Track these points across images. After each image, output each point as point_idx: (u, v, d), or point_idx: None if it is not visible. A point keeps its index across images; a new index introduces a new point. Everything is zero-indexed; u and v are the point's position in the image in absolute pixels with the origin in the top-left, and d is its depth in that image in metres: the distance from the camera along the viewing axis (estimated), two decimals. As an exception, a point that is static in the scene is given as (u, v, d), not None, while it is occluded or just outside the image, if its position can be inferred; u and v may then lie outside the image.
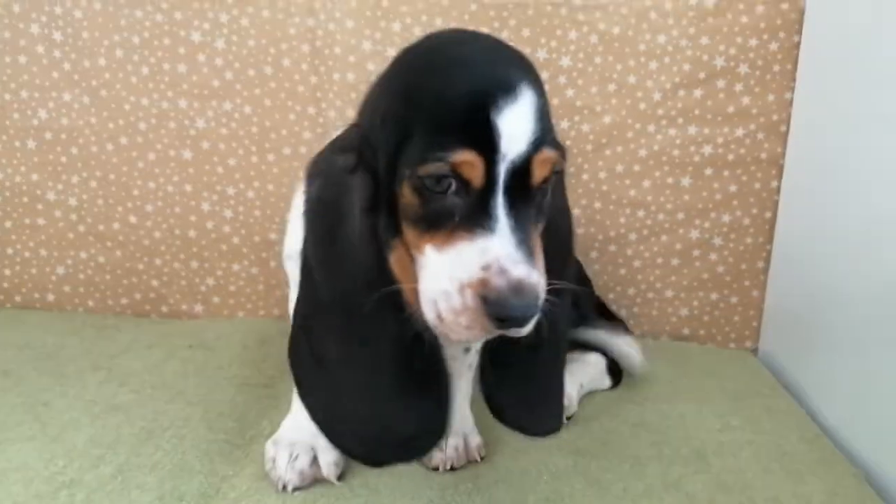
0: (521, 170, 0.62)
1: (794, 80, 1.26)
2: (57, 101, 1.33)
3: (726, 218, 1.34)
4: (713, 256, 1.36)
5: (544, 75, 1.27)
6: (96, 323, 1.36)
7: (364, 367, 0.71)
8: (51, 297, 1.42)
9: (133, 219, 1.39)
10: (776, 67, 1.25)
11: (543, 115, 0.63)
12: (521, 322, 0.60)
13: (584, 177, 1.34)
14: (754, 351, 1.39)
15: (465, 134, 0.60)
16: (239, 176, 1.36)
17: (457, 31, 0.74)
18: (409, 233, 0.65)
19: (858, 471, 0.94)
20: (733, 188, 1.32)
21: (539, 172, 0.63)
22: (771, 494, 0.87)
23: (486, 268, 0.59)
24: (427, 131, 0.61)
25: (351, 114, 1.27)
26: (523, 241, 0.61)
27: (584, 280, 1.24)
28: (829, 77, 1.16)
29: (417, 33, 1.27)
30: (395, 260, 0.66)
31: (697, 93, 1.28)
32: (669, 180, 1.32)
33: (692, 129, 1.29)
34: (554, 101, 1.30)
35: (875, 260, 0.99)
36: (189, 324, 1.39)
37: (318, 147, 1.28)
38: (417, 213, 0.63)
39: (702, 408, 1.10)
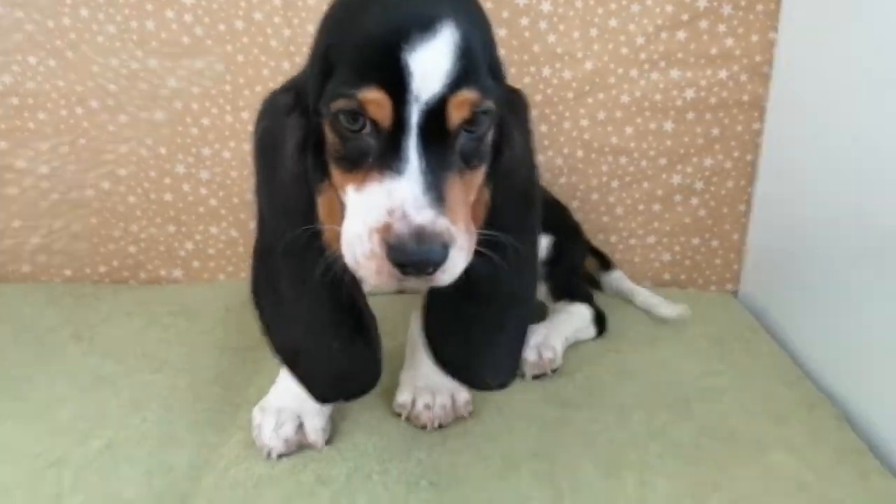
0: (437, 111, 0.60)
1: (777, 20, 1.23)
2: (22, 65, 1.28)
3: (708, 162, 1.33)
4: (695, 201, 1.36)
5: (524, 20, 1.24)
6: (74, 292, 1.33)
7: (305, 304, 0.73)
8: (26, 269, 1.39)
9: (106, 184, 1.35)
10: (759, 7, 1.22)
11: (467, 54, 0.61)
12: (423, 268, 0.59)
13: (566, 125, 1.31)
14: (735, 293, 1.40)
15: (374, 71, 0.60)
16: (213, 136, 1.32)
17: None
18: (335, 173, 0.66)
19: (839, 412, 0.95)
20: (715, 132, 1.31)
21: (456, 114, 0.61)
22: (754, 438, 0.89)
23: (391, 212, 0.58)
24: (343, 69, 0.61)
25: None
26: (433, 186, 0.59)
27: (572, 231, 1.24)
28: (813, 17, 1.14)
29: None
30: (323, 201, 0.68)
31: (680, 35, 1.25)
32: (652, 126, 1.30)
33: (675, 73, 1.27)
34: (535, 48, 1.27)
35: (856, 203, 0.98)
36: (169, 289, 1.37)
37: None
38: (339, 151, 0.64)
39: (684, 353, 1.11)
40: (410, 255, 0.57)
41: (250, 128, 1.28)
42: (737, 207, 1.36)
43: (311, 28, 1.25)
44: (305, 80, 0.69)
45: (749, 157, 1.32)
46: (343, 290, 0.70)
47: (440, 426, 0.89)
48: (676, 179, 1.34)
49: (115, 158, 1.34)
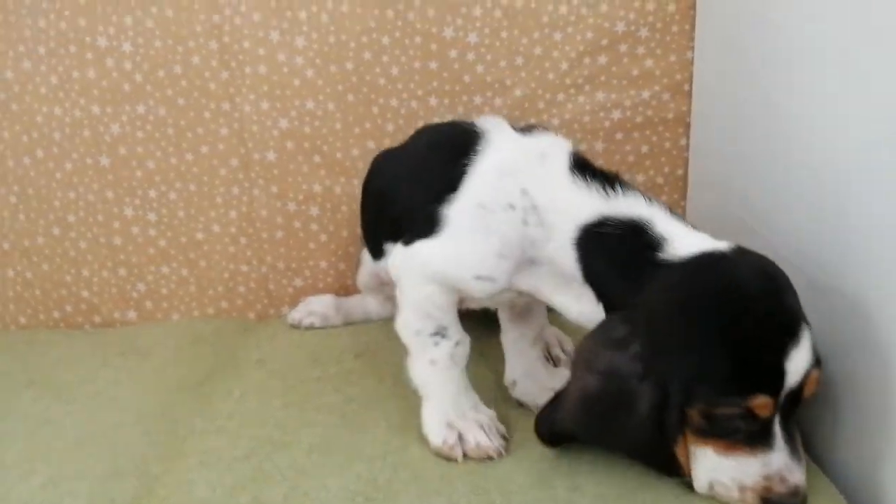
0: (795, 392, 0.73)
1: (693, 39, 1.29)
2: (-34, 119, 1.31)
3: (640, 178, 1.38)
4: (633, 217, 1.40)
5: (453, 53, 1.30)
6: (28, 338, 1.35)
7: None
8: (-20, 318, 1.41)
9: (56, 231, 1.38)
10: (675, 28, 1.29)
11: (813, 341, 0.74)
12: None
13: (502, 150, 1.36)
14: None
15: (759, 381, 0.71)
16: (159, 178, 1.35)
17: (737, 254, 0.79)
18: (690, 435, 0.76)
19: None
20: (645, 149, 1.36)
21: (810, 391, 0.75)
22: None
23: (767, 478, 0.73)
24: (726, 374, 0.71)
25: (265, 107, 1.30)
26: (795, 450, 0.74)
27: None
28: (726, 33, 1.20)
29: (325, 20, 1.28)
30: (680, 452, 0.77)
31: (602, 59, 1.31)
32: (583, 147, 1.35)
33: (600, 96, 1.33)
34: (465, 79, 1.32)
35: (781, 204, 1.03)
36: (122, 331, 1.39)
37: (237, 143, 1.32)
38: (702, 428, 0.74)
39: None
40: None
41: (195, 169, 1.34)
42: (672, 220, 1.40)
43: (249, 69, 1.32)
44: (652, 350, 0.75)
45: (679, 172, 1.37)
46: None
47: None
48: (612, 197, 1.39)
49: (63, 205, 1.36)
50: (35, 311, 1.42)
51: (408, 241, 0.94)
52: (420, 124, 1.27)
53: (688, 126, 1.34)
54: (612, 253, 0.83)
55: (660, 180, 1.38)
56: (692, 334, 0.74)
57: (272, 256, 1.40)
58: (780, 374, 0.71)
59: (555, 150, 0.92)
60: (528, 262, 0.89)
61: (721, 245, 0.79)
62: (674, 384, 0.73)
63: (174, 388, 1.12)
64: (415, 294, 0.93)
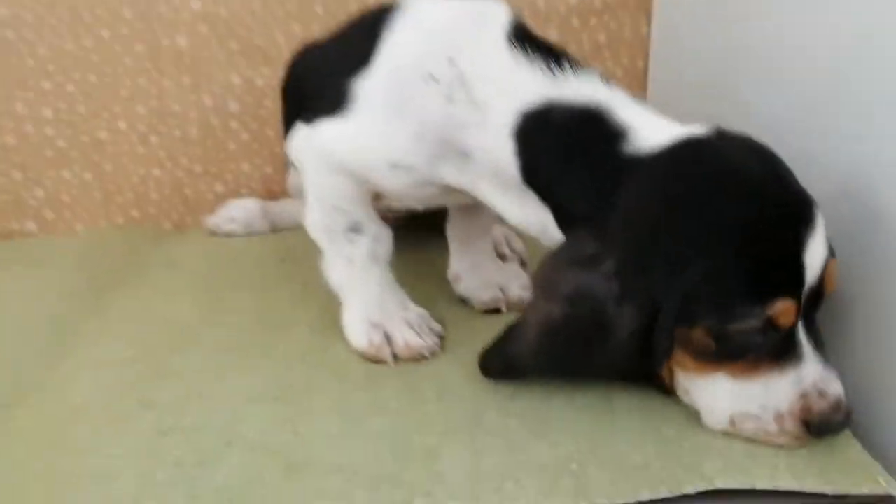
0: (815, 290, 0.61)
1: (655, -88, 1.17)
2: None
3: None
4: (588, 115, 1.29)
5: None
6: None
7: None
8: None
9: (-61, 129, 1.21)
10: None
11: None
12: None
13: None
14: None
15: (779, 283, 0.59)
16: (53, 67, 1.18)
17: (721, 138, 0.64)
18: (688, 360, 0.63)
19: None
20: (602, 38, 1.24)
21: (831, 283, 0.63)
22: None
23: (805, 395, 0.60)
24: (734, 278, 0.58)
25: None
26: (822, 356, 0.62)
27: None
28: None
29: None
30: (665, 373, 0.65)
31: (556, -67, 1.18)
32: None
33: (554, -25, 1.20)
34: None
35: (751, 101, 0.92)
36: (19, 243, 1.24)
37: (142, 27, 1.16)
38: (707, 350, 0.61)
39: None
40: (837, 426, 0.60)
41: (95, 57, 1.18)
42: (630, 119, 1.29)
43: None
44: (626, 264, 0.61)
45: (640, 64, 1.26)
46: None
47: None
48: (566, 92, 1.27)
49: (-57, 98, 1.19)
50: (-80, 223, 1.26)
51: (310, 119, 0.79)
52: (354, 6, 1.12)
53: (650, 13, 1.23)
54: (562, 148, 0.68)
55: (618, 72, 1.27)
56: (685, 238, 0.59)
57: (188, 158, 1.25)
58: (800, 270, 0.59)
59: (491, 13, 0.75)
60: (457, 152, 0.73)
61: (696, 129, 0.64)
62: (666, 302, 0.59)
63: (68, 294, 0.98)
64: (320, 184, 0.80)
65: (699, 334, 0.60)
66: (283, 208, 1.22)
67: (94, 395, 0.70)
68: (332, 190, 0.79)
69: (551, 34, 1.22)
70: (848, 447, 0.61)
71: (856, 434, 0.63)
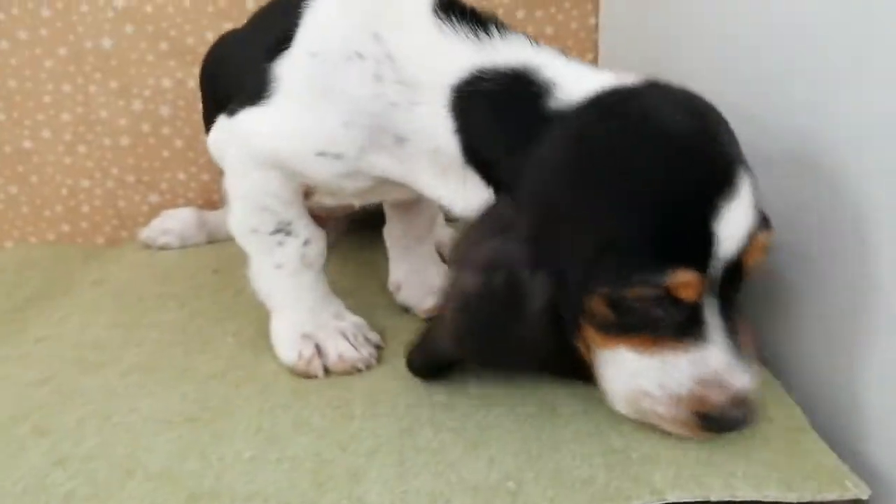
0: (735, 264, 0.54)
1: None
2: None
3: (546, 65, 1.21)
4: (539, 110, 1.24)
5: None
6: None
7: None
8: None
9: None
10: None
11: (758, 191, 0.55)
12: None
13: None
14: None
15: (680, 249, 0.52)
16: (-33, 72, 1.12)
17: (650, 88, 0.58)
18: (594, 334, 0.58)
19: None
20: (549, 30, 1.20)
21: (754, 261, 0.55)
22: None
23: (702, 382, 0.54)
24: (632, 244, 0.53)
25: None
26: (735, 344, 0.55)
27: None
28: None
29: None
30: (582, 347, 0.60)
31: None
32: (480, 28, 1.18)
33: (498, -35, 1.15)
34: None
35: (702, 89, 0.88)
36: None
37: (62, 27, 1.09)
38: (609, 322, 0.56)
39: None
40: (731, 423, 0.55)
41: (13, 61, 1.11)
42: (583, 114, 1.25)
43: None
44: (537, 231, 0.56)
45: (589, 56, 1.22)
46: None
47: None
48: (515, 87, 1.22)
49: None
50: None
51: (231, 112, 0.73)
52: None
53: (597, 3, 1.19)
54: (492, 116, 0.63)
55: (567, 66, 1.22)
56: (587, 196, 0.55)
57: (119, 168, 1.19)
58: (708, 238, 0.52)
59: None
60: (391, 137, 0.68)
61: (629, 79, 0.58)
62: (570, 269, 0.55)
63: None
64: (244, 181, 0.73)
65: (598, 304, 0.55)
66: (221, 218, 1.15)
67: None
68: (258, 186, 0.73)
69: (498, 28, 1.18)
70: (813, 449, 0.56)
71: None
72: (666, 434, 0.58)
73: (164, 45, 1.13)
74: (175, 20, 1.12)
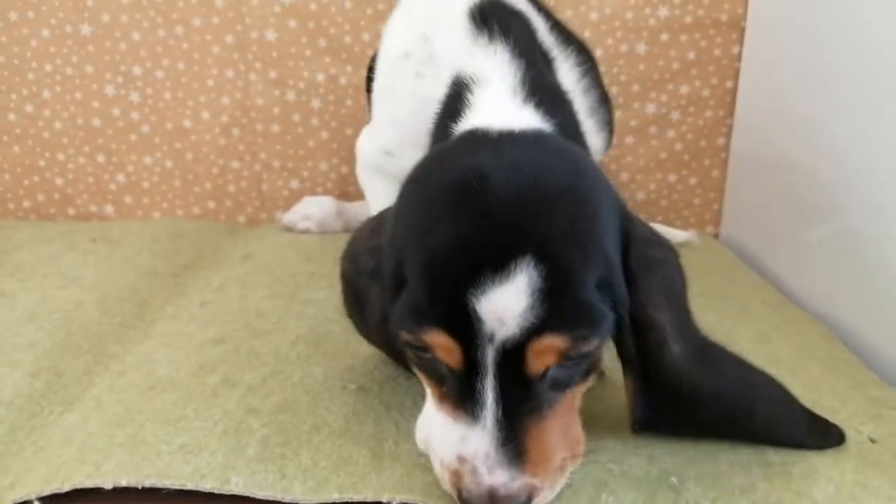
0: (517, 356, 0.50)
1: (756, -71, 1.14)
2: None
3: (684, 89, 1.23)
4: (671, 133, 1.26)
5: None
6: (-8, 224, 1.21)
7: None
8: (-60, 199, 1.27)
9: (30, 108, 1.23)
10: (736, -84, 1.14)
11: (555, 291, 0.49)
12: None
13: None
14: (716, 236, 1.31)
15: (440, 312, 0.50)
16: (145, 53, 1.21)
17: (501, 141, 0.56)
18: (416, 369, 0.56)
19: (827, 330, 0.86)
20: (692, 55, 1.21)
21: (538, 362, 0.51)
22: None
23: (461, 460, 0.51)
24: (411, 293, 0.52)
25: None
26: (511, 437, 0.50)
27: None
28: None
29: None
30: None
31: (652, -53, 1.16)
32: (623, 48, 1.21)
33: (647, -12, 1.18)
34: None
35: (840, 132, 0.89)
36: (97, 224, 1.25)
37: (233, 17, 1.17)
38: (416, 363, 0.55)
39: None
40: None
41: (185, 44, 1.20)
42: (716, 141, 1.26)
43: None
44: (385, 252, 0.57)
45: (728, 84, 1.23)
46: None
47: None
48: (651, 108, 1.25)
49: (38, 78, 1.22)
50: (3, 199, 1.28)
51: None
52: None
53: (742, 31, 1.20)
54: (437, 121, 0.67)
55: (705, 92, 1.23)
56: (395, 239, 0.55)
57: (267, 153, 1.26)
58: (463, 309, 0.49)
59: None
60: (426, 136, 0.69)
61: (516, 124, 0.57)
62: (386, 293, 0.55)
63: (146, 274, 0.99)
64: (367, 193, 0.80)
65: (398, 336, 0.54)
66: (357, 210, 1.21)
67: (177, 373, 0.70)
68: (374, 197, 0.79)
69: (639, 48, 1.20)
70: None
71: None
72: (823, 453, 0.59)
73: (322, 42, 1.19)
74: (336, 19, 1.18)
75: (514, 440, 0.50)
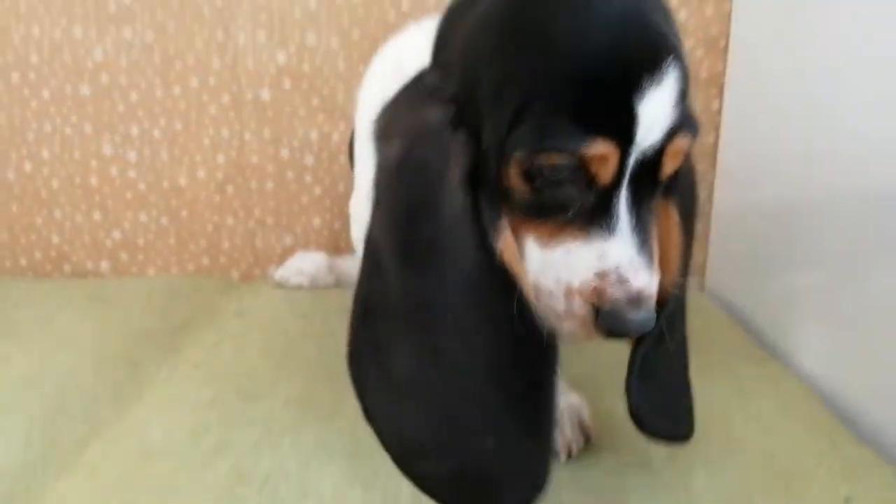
0: (651, 161, 0.51)
1: (731, -9, 1.19)
2: (-65, 38, 1.20)
3: (668, 144, 1.26)
4: (656, 187, 1.29)
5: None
6: (-11, 282, 1.23)
7: (451, 381, 0.55)
8: (-62, 257, 1.29)
9: (28, 166, 1.26)
10: (713, -21, 1.18)
11: (685, 90, 0.51)
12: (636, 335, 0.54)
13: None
14: (701, 287, 1.33)
15: (601, 120, 0.49)
16: (143, 113, 1.24)
17: None
18: (510, 216, 0.54)
19: (808, 388, 0.87)
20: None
21: (671, 164, 0.52)
22: (716, 412, 0.80)
23: (601, 275, 0.51)
24: (552, 109, 0.49)
25: (262, 38, 1.19)
26: (646, 243, 0.52)
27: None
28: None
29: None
30: (505, 246, 0.53)
31: (633, 10, 1.20)
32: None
33: (629, 50, 1.22)
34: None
35: (824, 183, 0.92)
36: (93, 281, 1.27)
37: (229, 78, 1.20)
38: (523, 198, 0.52)
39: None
40: (627, 324, 0.51)
41: (182, 104, 1.23)
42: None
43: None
44: (460, 90, 0.54)
45: (710, 139, 1.26)
46: (528, 363, 0.54)
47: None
48: (635, 163, 1.28)
49: (37, 138, 1.25)
50: (0, 258, 1.31)
51: None
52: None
53: (722, 87, 1.23)
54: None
55: (688, 147, 1.26)
56: (509, 57, 0.51)
57: (261, 210, 1.29)
58: (629, 114, 0.49)
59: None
60: None
61: None
62: (490, 127, 0.52)
63: (140, 334, 1.00)
64: (360, 250, 0.74)
65: (515, 173, 0.51)
66: (348, 265, 1.24)
67: (171, 438, 0.71)
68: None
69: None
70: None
71: None
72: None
73: (315, 101, 1.23)
74: (329, 79, 1.22)
75: (647, 246, 0.52)
